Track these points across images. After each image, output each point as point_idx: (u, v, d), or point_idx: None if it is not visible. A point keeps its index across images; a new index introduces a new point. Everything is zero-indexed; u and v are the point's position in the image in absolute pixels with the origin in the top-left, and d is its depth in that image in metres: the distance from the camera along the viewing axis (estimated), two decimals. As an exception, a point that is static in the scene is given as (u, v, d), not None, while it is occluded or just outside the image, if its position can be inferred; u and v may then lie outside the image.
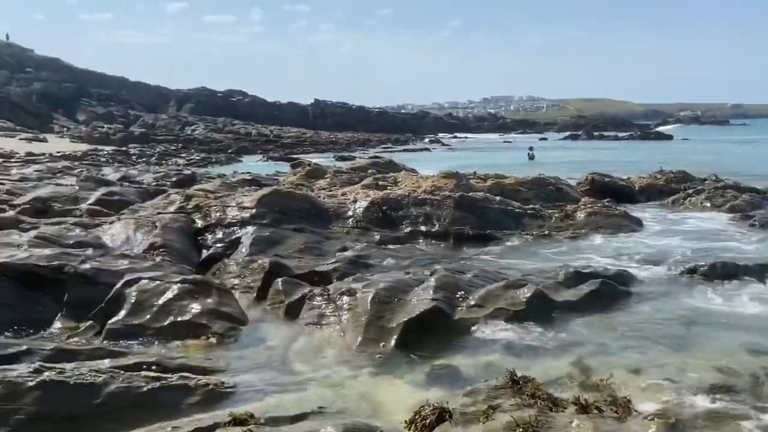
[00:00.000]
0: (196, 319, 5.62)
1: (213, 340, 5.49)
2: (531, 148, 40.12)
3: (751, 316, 6.39)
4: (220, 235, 8.83)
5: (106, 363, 4.50)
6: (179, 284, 5.95)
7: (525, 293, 6.31)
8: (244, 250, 8.30)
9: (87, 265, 6.19)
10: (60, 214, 10.30)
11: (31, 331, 5.48)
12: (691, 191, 14.83)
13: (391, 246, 9.14)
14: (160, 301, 5.73)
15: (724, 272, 7.63)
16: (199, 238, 8.80)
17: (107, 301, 5.71)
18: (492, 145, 65.47)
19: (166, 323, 5.54)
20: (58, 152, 30.31)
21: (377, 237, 9.46)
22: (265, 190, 10.28)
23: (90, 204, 11.10)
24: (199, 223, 9.11)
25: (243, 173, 19.98)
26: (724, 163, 28.46)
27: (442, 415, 3.88)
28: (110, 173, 18.36)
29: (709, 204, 13.66)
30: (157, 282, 5.96)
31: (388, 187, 12.29)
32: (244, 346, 5.49)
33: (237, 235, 8.74)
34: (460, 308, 6.04)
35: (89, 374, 4.08)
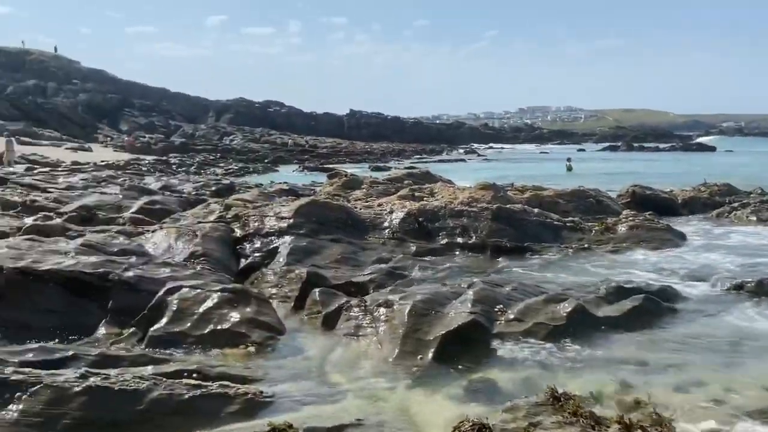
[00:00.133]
0: (235, 328, 5.68)
1: (251, 349, 5.54)
2: (569, 159, 39.58)
3: (801, 336, 6.16)
4: (258, 244, 8.93)
5: (149, 370, 4.58)
6: (219, 293, 6.03)
7: (565, 308, 6.21)
8: (281, 259, 8.38)
9: (130, 273, 6.33)
10: (104, 222, 10.58)
11: (77, 336, 5.62)
12: (736, 205, 14.43)
13: (427, 257, 9.12)
14: (201, 310, 5.81)
15: (772, 289, 7.37)
16: (237, 247, 8.92)
17: (150, 309, 5.82)
18: (528, 155, 64.91)
19: (206, 331, 5.61)
20: (102, 161, 31.18)
21: (413, 248, 9.44)
22: (303, 201, 10.38)
23: (133, 212, 11.38)
24: (238, 233, 9.24)
25: (280, 183, 20.23)
26: (771, 175, 27.62)
27: (482, 431, 3.83)
28: (152, 182, 18.80)
29: (755, 218, 13.26)
30: (198, 290, 6.06)
31: (425, 198, 12.27)
32: (282, 355, 5.53)
33: (275, 245, 8.83)
34: (498, 322, 5.97)
35: (133, 381, 4.16)
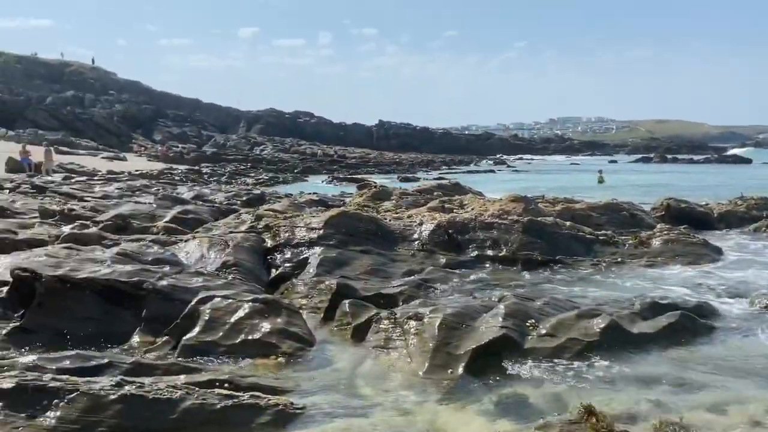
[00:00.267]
0: (266, 338, 5.72)
1: (282, 359, 5.57)
2: (600, 171, 39.09)
3: None
4: (288, 255, 8.99)
5: (182, 379, 4.63)
6: (250, 303, 6.08)
7: (599, 324, 6.10)
8: (311, 270, 8.42)
9: (164, 282, 6.43)
10: (138, 231, 10.78)
11: (112, 344, 5.72)
12: (775, 219, 14.03)
13: (457, 270, 9.06)
14: (232, 320, 5.86)
15: (814, 308, 7.15)
16: (268, 257, 8.99)
17: (182, 318, 5.89)
18: (559, 167, 64.27)
19: (237, 341, 5.66)
20: (137, 171, 31.87)
21: (443, 260, 9.40)
22: (333, 212, 10.42)
23: (166, 222, 11.58)
24: (269, 243, 9.31)
25: (309, 193, 20.38)
26: (811, 189, 26.83)
27: (514, 448, 3.77)
28: (184, 192, 19.10)
29: (794, 233, 12.88)
30: (230, 300, 6.12)
31: (455, 210, 12.22)
32: (311, 367, 5.54)
33: (305, 255, 8.88)
34: (530, 337, 5.90)
35: (166, 390, 4.21)
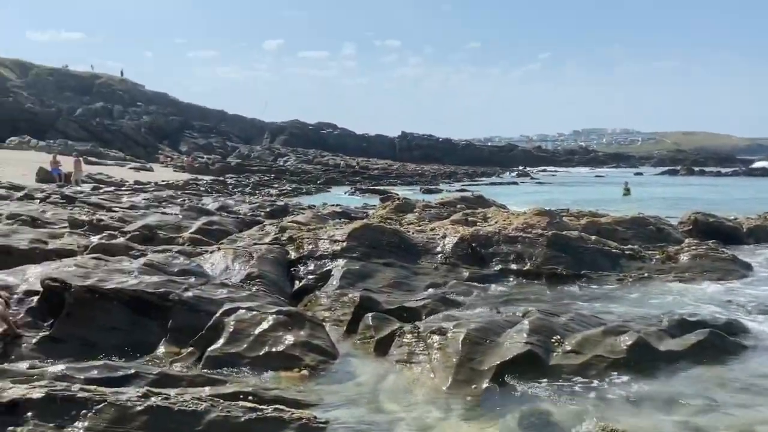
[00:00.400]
0: (290, 351, 5.74)
1: (305, 372, 5.58)
2: (626, 183, 38.66)
3: None
4: (311, 267, 9.02)
5: (207, 391, 4.66)
6: (274, 315, 6.12)
7: (626, 341, 6.01)
8: (334, 282, 8.44)
9: (190, 293, 6.49)
10: (164, 241, 10.93)
11: (138, 354, 5.80)
12: (806, 234, 13.73)
13: (480, 284, 9.01)
14: (256, 332, 5.90)
15: None
16: (291, 269, 9.03)
17: (207, 329, 5.94)
18: (583, 179, 63.69)
19: (261, 353, 5.69)
20: (163, 181, 32.34)
21: (466, 274, 9.35)
22: (356, 224, 10.45)
23: (191, 233, 11.72)
24: (293, 255, 9.36)
25: (332, 205, 20.45)
26: (844, 203, 26.18)
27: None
28: (209, 203, 19.32)
29: (827, 249, 12.57)
30: (254, 312, 6.16)
31: (478, 223, 12.17)
32: (334, 380, 5.54)
33: (328, 268, 8.90)
34: (555, 353, 5.83)
35: (192, 401, 4.23)
